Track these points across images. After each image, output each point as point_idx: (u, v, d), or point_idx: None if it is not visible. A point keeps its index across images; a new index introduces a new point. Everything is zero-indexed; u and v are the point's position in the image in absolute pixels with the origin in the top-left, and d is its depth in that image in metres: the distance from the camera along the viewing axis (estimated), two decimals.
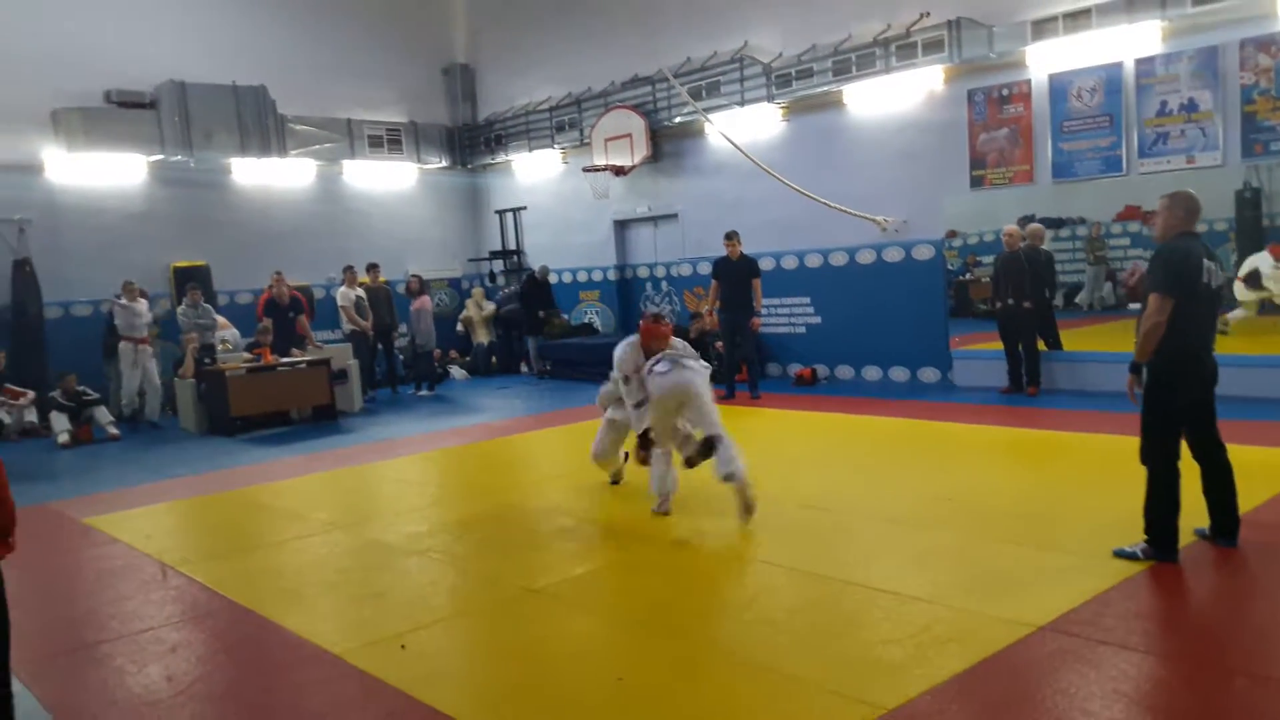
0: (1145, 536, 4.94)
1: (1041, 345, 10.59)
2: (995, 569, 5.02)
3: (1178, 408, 4.90)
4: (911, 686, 3.70)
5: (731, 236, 11.48)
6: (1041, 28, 10.21)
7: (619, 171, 14.42)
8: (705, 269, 13.96)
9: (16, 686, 3.69)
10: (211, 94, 14.12)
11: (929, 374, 11.79)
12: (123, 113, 13.60)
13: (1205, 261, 4.83)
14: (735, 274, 11.43)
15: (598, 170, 14.55)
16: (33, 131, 13.07)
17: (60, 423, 11.48)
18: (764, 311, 12.14)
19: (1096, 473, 6.99)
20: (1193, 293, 4.76)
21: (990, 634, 4.13)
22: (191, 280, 13.41)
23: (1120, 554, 4.95)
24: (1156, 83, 9.81)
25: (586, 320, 16.11)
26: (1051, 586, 4.65)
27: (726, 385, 11.29)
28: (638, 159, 14.16)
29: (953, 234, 11.45)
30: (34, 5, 13.02)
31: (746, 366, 11.73)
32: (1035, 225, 10.63)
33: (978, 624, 4.26)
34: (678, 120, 13.84)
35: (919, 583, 4.83)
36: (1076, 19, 9.96)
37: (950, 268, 11.54)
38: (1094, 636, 4.04)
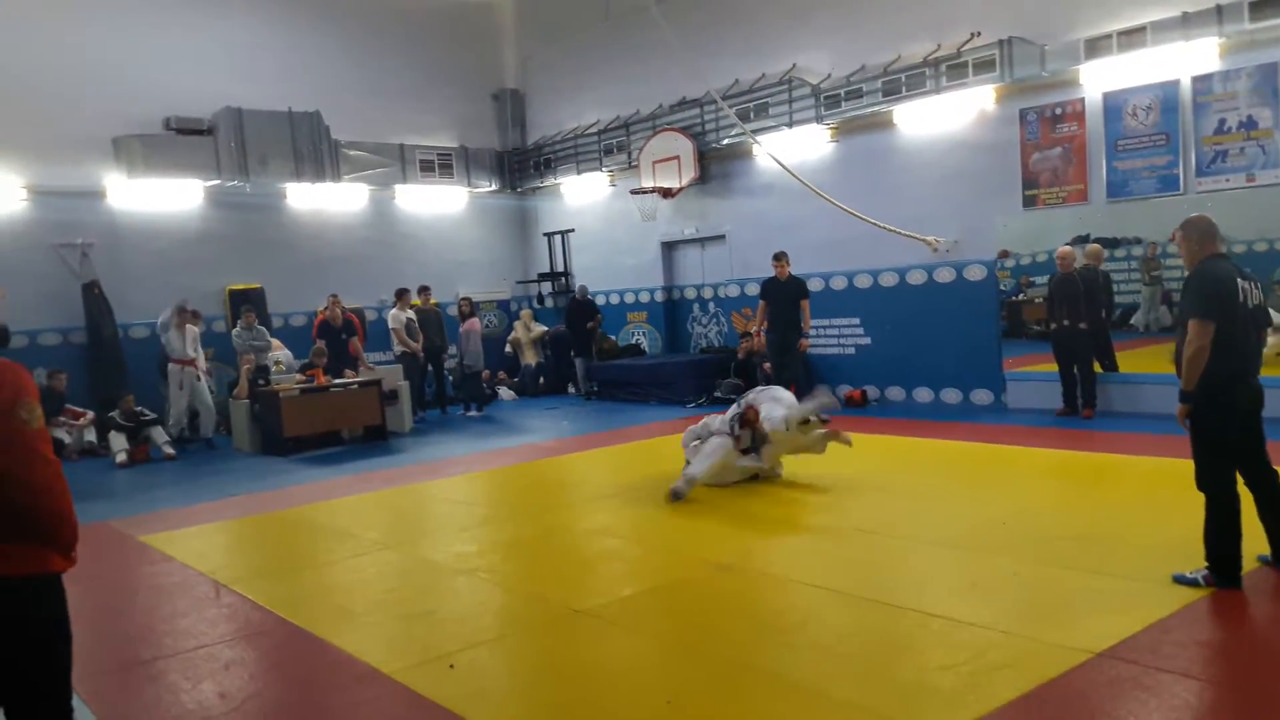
0: (1206, 563, 4.81)
1: (1097, 367, 10.42)
2: (1051, 594, 4.92)
3: (1228, 432, 4.79)
4: (965, 714, 3.63)
5: (780, 257, 11.46)
6: (1095, 46, 10.09)
7: (667, 194, 14.46)
8: (753, 290, 13.93)
9: (74, 701, 3.75)
10: (267, 120, 14.42)
11: (982, 396, 11.63)
12: (181, 139, 13.93)
13: (1239, 281, 4.76)
14: (783, 295, 11.40)
15: (645, 192, 14.59)
16: (95, 158, 13.45)
17: (118, 442, 11.70)
18: (812, 332, 12.09)
19: (1154, 496, 6.85)
20: (1231, 315, 4.69)
21: (1046, 660, 4.04)
22: (246, 303, 13.68)
23: (1180, 580, 4.83)
24: (1214, 100, 9.64)
25: (634, 342, 16.14)
26: (1109, 612, 4.55)
27: None
28: (685, 181, 14.19)
29: (1005, 254, 11.31)
30: (97, 38, 13.41)
31: (795, 387, 11.64)
32: (1093, 245, 10.47)
33: (1033, 650, 4.17)
34: (725, 142, 13.87)
35: (973, 608, 4.74)
36: (1131, 36, 9.83)
37: (1003, 288, 11.40)
38: (1153, 664, 3.94)
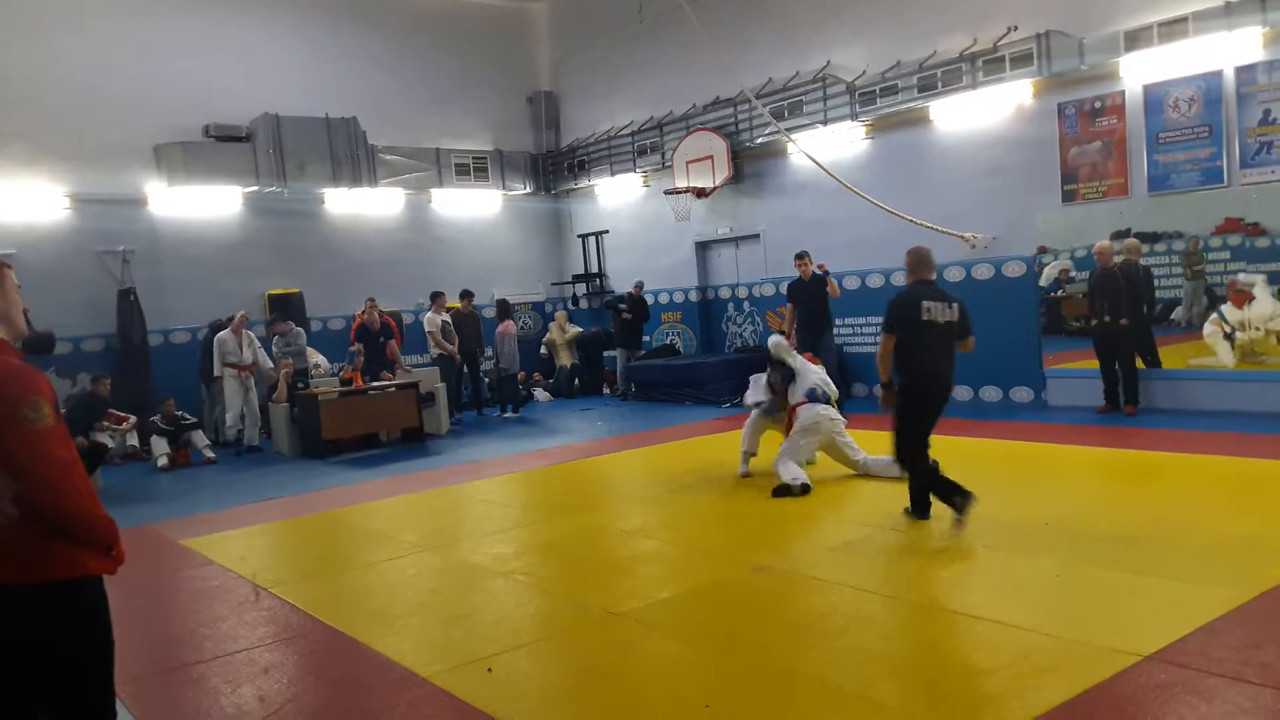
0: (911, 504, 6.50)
1: (1139, 363, 10.25)
2: (1097, 596, 4.84)
3: (914, 415, 6.31)
4: (1010, 718, 3.57)
5: (802, 256, 11.40)
6: (1135, 38, 9.94)
7: (700, 193, 14.42)
8: (785, 290, 13.89)
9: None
10: (305, 126, 14.57)
11: (1022, 394, 11.48)
12: (220, 146, 14.11)
13: (925, 303, 6.19)
14: (809, 294, 11.33)
15: (679, 192, 14.56)
16: (137, 166, 13.66)
17: (160, 446, 11.85)
18: (849, 330, 12.08)
19: (1199, 495, 6.73)
20: (913, 329, 6.18)
21: (1093, 664, 3.97)
22: (286, 306, 13.83)
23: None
24: (1259, 91, 9.46)
25: (669, 342, 16.11)
26: (1156, 614, 4.46)
27: None
28: (719, 180, 14.14)
29: (1043, 250, 11.16)
30: (138, 48, 13.64)
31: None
32: (1131, 240, 10.31)
33: (1080, 653, 4.10)
34: (759, 141, 13.81)
35: (1017, 610, 4.67)
36: (1172, 28, 9.67)
37: (1042, 284, 11.25)
38: (1204, 667, 3.86)
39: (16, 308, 2.95)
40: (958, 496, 6.03)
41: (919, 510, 6.47)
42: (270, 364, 12.82)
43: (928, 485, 6.31)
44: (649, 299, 15.88)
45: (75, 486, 2.75)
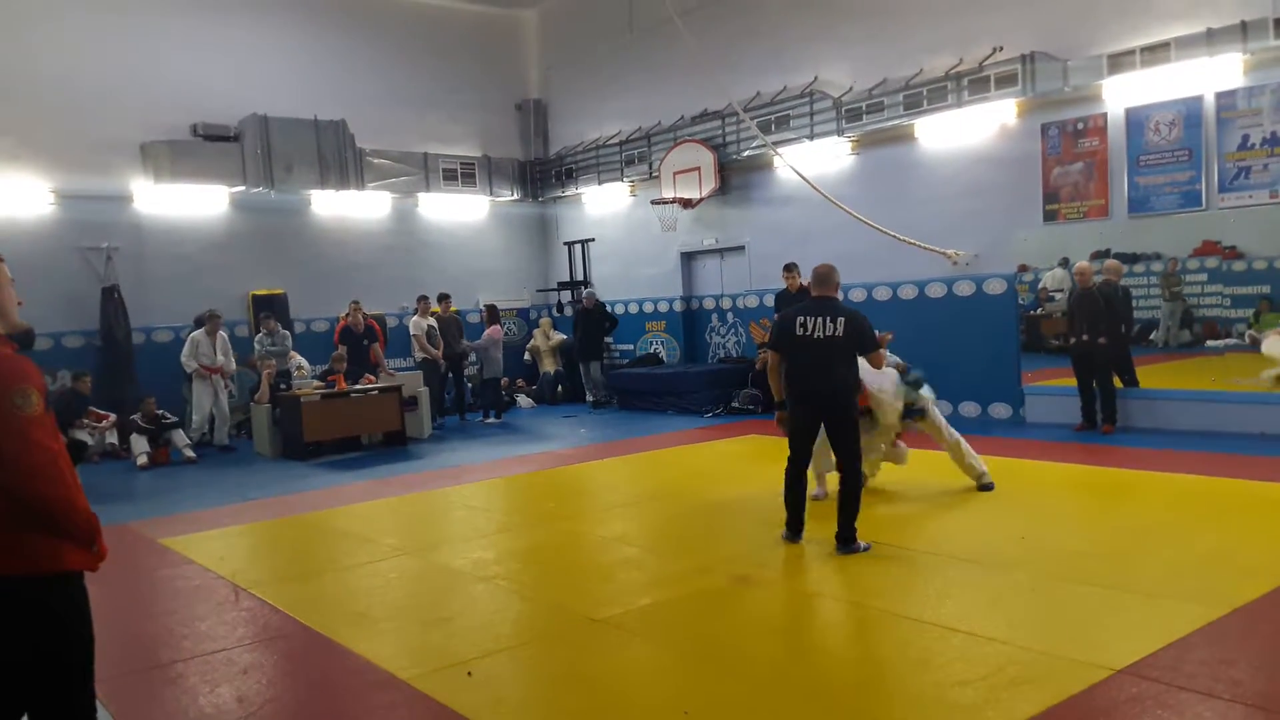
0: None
1: (1117, 382, 10.37)
2: (1070, 610, 4.91)
3: (798, 424, 6.38)
4: None
5: (790, 268, 11.45)
6: (1118, 61, 10.08)
7: (687, 204, 14.49)
8: (771, 301, 13.93)
9: None
10: (293, 128, 14.55)
11: (1000, 410, 11.59)
12: (207, 145, 14.07)
13: (799, 317, 6.25)
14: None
15: (666, 203, 14.64)
16: (123, 163, 13.60)
17: (139, 445, 11.79)
18: None
19: (1173, 513, 6.81)
20: (790, 345, 6.27)
21: (1066, 677, 4.03)
22: (269, 308, 13.80)
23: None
24: (1238, 116, 9.60)
25: (653, 350, 16.16)
26: (1129, 629, 4.53)
27: None
28: (706, 192, 14.23)
29: (1024, 268, 11.28)
30: (126, 45, 13.59)
31: None
32: (1112, 261, 10.43)
33: (1053, 666, 4.16)
34: (746, 154, 13.89)
35: (992, 623, 4.73)
36: (1154, 52, 9.81)
37: (1021, 302, 11.36)
38: (1175, 682, 3.92)
39: (10, 300, 2.97)
40: (789, 529, 6.45)
41: (791, 530, 6.51)
42: (234, 368, 12.83)
43: (788, 497, 6.44)
44: (628, 308, 15.90)
45: (60, 477, 2.76)
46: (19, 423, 2.67)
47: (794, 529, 6.47)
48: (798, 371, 6.30)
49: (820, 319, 6.21)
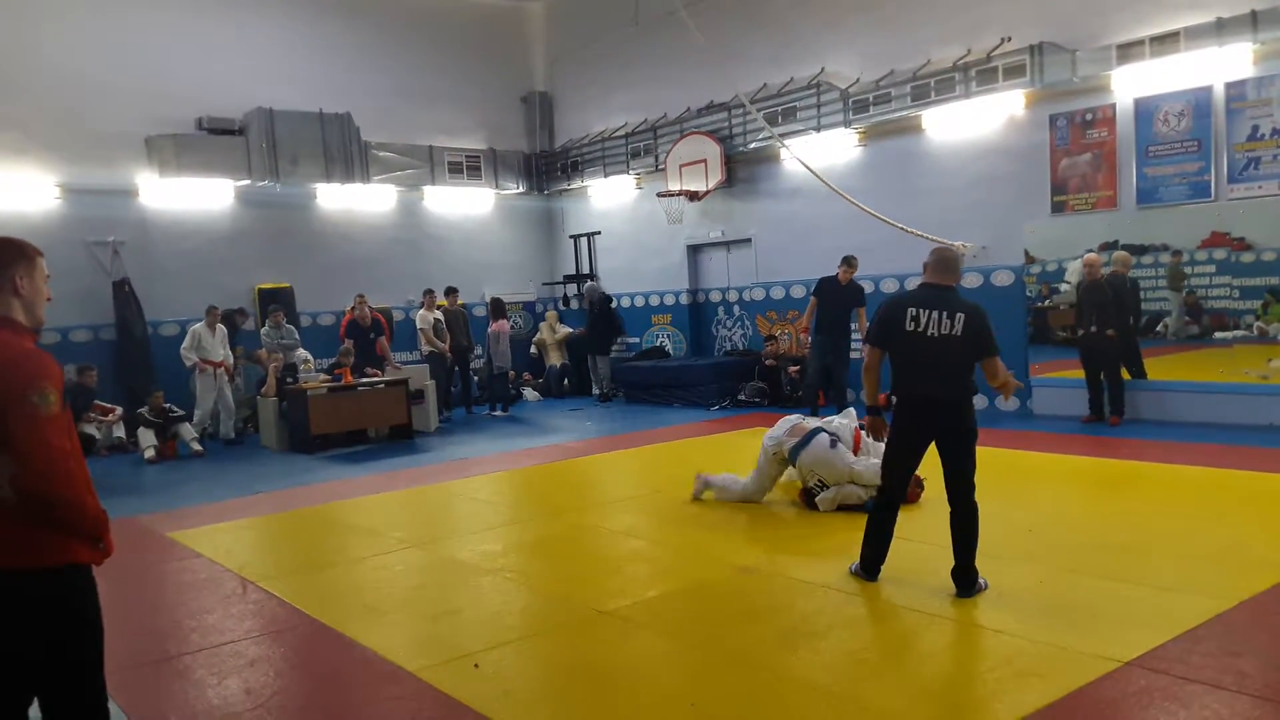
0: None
1: (1125, 374, 10.34)
2: (1079, 602, 4.89)
3: (897, 442, 5.31)
4: None
5: (849, 261, 11.26)
6: (1127, 51, 10.03)
7: (693, 197, 14.46)
8: (778, 294, 13.95)
9: None
10: (298, 121, 14.55)
11: (1008, 401, 11.55)
12: (213, 139, 14.06)
13: (910, 309, 5.11)
14: (839, 297, 11.25)
15: (672, 195, 14.60)
16: (128, 157, 13.60)
17: (147, 438, 11.81)
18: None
19: (1182, 504, 6.80)
20: (898, 338, 5.16)
21: (1074, 669, 4.02)
22: (275, 302, 13.81)
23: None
24: (1248, 107, 9.55)
25: (659, 344, 16.15)
26: (1137, 621, 4.52)
27: (809, 408, 11.13)
28: (712, 184, 14.20)
29: (1031, 260, 11.23)
30: (131, 38, 13.58)
31: (822, 394, 11.62)
32: (1120, 253, 10.39)
33: (1061, 658, 4.15)
34: (752, 146, 13.86)
35: (1001, 615, 4.72)
36: (1164, 42, 9.76)
37: (1029, 294, 11.32)
38: (1183, 674, 3.91)
39: (41, 296, 2.97)
40: (865, 566, 5.42)
41: (867, 571, 5.45)
42: (230, 360, 12.87)
43: (873, 538, 5.39)
44: (634, 301, 15.89)
45: (71, 476, 2.76)
46: (35, 423, 2.67)
47: (872, 571, 5.42)
48: (907, 375, 5.21)
49: (937, 313, 5.08)
